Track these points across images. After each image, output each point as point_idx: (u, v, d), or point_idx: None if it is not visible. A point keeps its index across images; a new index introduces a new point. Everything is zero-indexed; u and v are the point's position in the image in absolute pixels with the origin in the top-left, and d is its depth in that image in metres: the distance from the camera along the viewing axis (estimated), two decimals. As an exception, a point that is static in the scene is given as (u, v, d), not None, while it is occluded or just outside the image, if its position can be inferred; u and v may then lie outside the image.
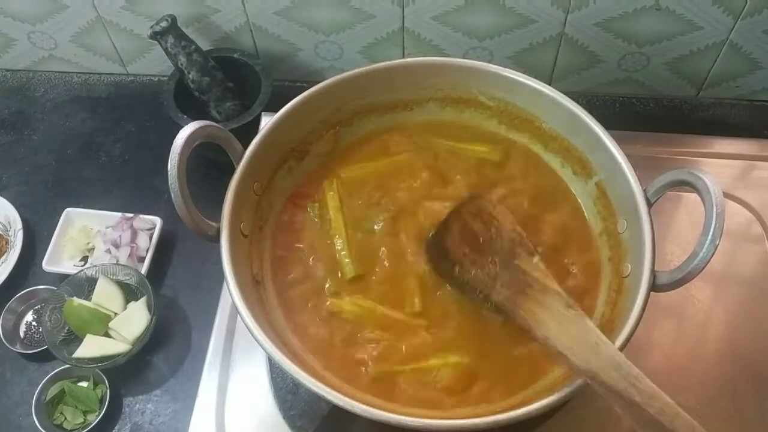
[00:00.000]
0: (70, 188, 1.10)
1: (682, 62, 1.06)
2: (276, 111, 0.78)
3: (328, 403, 0.61)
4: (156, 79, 1.21)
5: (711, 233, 0.63)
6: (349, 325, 0.73)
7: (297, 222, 0.80)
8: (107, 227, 1.00)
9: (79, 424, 0.87)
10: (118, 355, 0.88)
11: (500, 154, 0.84)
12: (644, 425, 0.56)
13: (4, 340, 0.92)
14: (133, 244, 0.98)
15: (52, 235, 0.99)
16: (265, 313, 0.71)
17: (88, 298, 0.93)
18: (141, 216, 1.00)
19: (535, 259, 0.70)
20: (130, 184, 1.10)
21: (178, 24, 1.00)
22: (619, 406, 0.57)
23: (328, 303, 0.74)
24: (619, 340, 0.63)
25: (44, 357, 0.92)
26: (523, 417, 0.59)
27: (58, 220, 1.01)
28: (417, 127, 0.86)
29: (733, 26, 0.99)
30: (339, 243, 0.78)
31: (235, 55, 1.08)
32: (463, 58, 0.86)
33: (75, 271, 0.94)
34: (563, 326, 0.63)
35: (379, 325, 0.73)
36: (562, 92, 0.78)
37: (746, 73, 1.07)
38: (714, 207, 0.63)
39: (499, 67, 0.80)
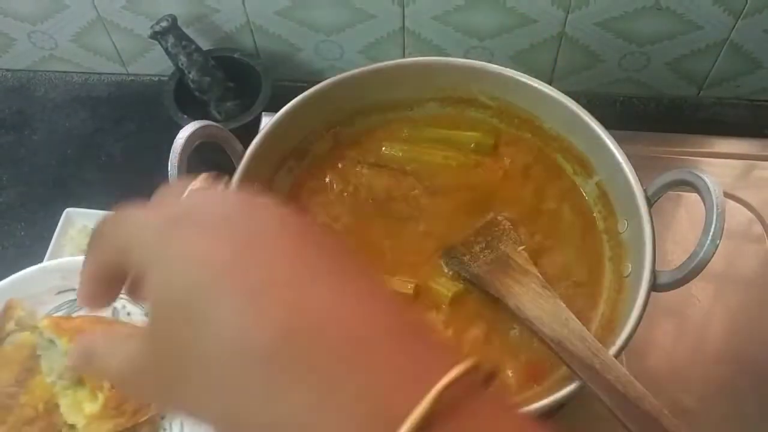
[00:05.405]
0: (71, 188, 1.10)
1: (683, 62, 1.06)
2: (276, 111, 0.78)
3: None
4: (156, 79, 1.20)
5: (711, 233, 0.63)
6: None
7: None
8: (107, 227, 1.00)
9: (79, 424, 0.87)
10: (119, 355, 0.87)
11: (494, 138, 0.84)
12: (601, 391, 0.59)
13: (4, 340, 0.92)
14: (134, 244, 0.97)
15: (52, 235, 0.99)
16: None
17: (88, 298, 0.92)
18: (141, 216, 1.00)
19: (520, 248, 0.74)
20: (130, 184, 1.09)
21: (179, 24, 1.00)
22: (578, 370, 0.60)
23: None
24: (620, 340, 0.62)
25: (44, 357, 0.91)
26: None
27: (58, 220, 1.01)
28: (411, 121, 0.86)
29: (734, 26, 0.99)
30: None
31: (236, 55, 1.07)
32: (464, 57, 0.86)
33: (75, 271, 0.94)
34: (536, 301, 0.67)
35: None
36: (563, 92, 0.78)
37: (747, 72, 1.07)
38: (714, 207, 0.63)
39: (499, 67, 0.80)
